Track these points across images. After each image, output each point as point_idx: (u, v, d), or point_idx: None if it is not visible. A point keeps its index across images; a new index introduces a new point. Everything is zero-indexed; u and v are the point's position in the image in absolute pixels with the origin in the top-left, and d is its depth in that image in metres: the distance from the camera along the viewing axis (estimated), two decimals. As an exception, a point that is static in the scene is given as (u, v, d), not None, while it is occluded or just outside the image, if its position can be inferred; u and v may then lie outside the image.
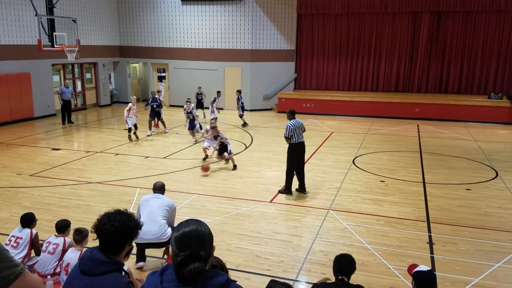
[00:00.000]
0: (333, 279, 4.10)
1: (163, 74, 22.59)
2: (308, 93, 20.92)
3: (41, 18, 15.00)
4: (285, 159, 9.04)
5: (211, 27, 20.89)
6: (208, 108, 17.27)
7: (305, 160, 11.47)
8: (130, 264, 5.49)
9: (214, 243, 2.08)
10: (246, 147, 13.32)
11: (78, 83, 20.59)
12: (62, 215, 7.26)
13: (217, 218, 7.57)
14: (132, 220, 2.50)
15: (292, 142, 8.72)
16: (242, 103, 16.90)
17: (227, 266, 3.73)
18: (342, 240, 6.80)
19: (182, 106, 18.81)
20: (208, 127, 11.49)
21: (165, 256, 6.13)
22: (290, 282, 5.32)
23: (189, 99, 14.83)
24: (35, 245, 5.58)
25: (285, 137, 8.73)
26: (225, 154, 10.96)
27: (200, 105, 17.65)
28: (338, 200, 8.64)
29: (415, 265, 3.87)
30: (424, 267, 3.79)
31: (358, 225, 7.37)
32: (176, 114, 18.71)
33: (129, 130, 13.93)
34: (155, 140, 14.38)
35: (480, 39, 19.58)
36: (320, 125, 17.34)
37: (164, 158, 11.90)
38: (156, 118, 15.28)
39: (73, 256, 4.89)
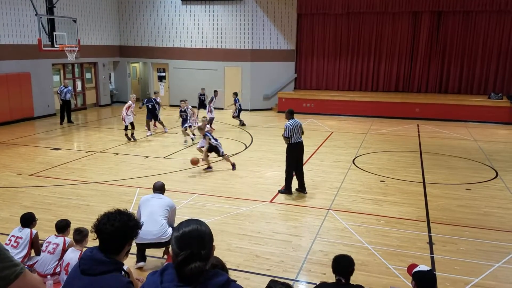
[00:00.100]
0: (333, 279, 4.10)
1: (163, 74, 22.59)
2: (308, 93, 20.92)
3: (41, 18, 15.01)
4: (285, 159, 9.04)
5: (211, 27, 20.89)
6: (219, 109, 17.26)
7: (305, 160, 11.50)
8: (130, 263, 5.48)
9: (214, 243, 2.08)
10: (246, 147, 13.32)
11: (78, 83, 20.59)
12: (62, 215, 7.26)
13: (217, 218, 7.57)
14: (132, 220, 2.50)
15: (291, 142, 8.72)
16: (239, 105, 16.90)
17: (227, 266, 3.73)
18: (342, 240, 6.80)
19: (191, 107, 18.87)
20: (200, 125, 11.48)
21: (165, 256, 6.13)
22: (290, 282, 5.32)
23: (186, 100, 14.83)
24: (35, 244, 5.58)
25: (285, 137, 8.72)
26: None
27: (202, 106, 17.60)
28: (338, 200, 8.64)
29: (415, 265, 3.87)
30: (424, 267, 3.79)
31: (358, 225, 7.37)
32: (176, 114, 18.63)
33: (126, 128, 13.88)
34: (155, 140, 14.38)
35: (480, 39, 19.58)
36: (320, 125, 17.34)
37: (164, 158, 11.90)
38: (152, 119, 15.16)
39: (73, 256, 4.89)
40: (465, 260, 6.18)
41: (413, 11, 19.99)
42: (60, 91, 16.70)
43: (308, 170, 10.72)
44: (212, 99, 16.24)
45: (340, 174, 10.43)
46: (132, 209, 7.62)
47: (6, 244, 5.35)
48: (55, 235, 5.43)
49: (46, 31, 15.38)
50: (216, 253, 2.18)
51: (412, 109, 18.78)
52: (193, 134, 14.07)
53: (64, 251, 5.23)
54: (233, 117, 17.02)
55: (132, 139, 13.80)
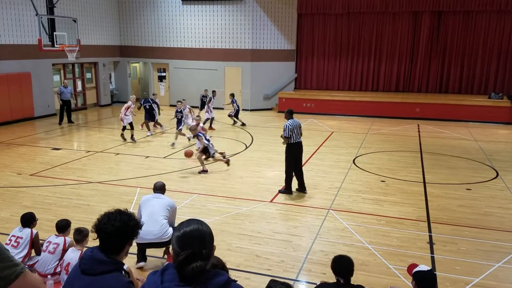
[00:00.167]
0: (333, 279, 4.10)
1: (163, 74, 22.59)
2: (308, 93, 20.92)
3: (41, 17, 15.00)
4: (284, 159, 9.03)
5: (211, 27, 20.89)
6: (219, 108, 17.21)
7: (306, 160, 11.52)
8: (130, 263, 5.48)
9: (215, 243, 2.08)
10: (247, 147, 13.32)
11: (79, 83, 20.59)
12: (62, 214, 7.26)
13: (217, 218, 7.57)
14: (133, 220, 2.51)
15: (290, 142, 8.71)
16: (237, 105, 16.91)
17: (227, 266, 3.73)
18: (342, 240, 6.80)
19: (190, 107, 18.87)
20: (201, 125, 11.44)
21: (165, 256, 6.13)
22: (290, 282, 5.32)
23: (184, 99, 14.80)
24: (35, 244, 5.58)
25: (284, 137, 8.71)
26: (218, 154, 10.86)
27: (204, 107, 17.52)
28: (338, 200, 8.64)
29: (415, 265, 3.87)
30: (424, 267, 3.79)
31: (358, 225, 7.37)
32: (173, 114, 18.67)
33: (123, 128, 13.77)
34: (155, 140, 14.38)
35: (481, 39, 19.57)
36: (321, 125, 17.34)
37: (164, 158, 11.90)
38: (150, 120, 15.00)
39: (73, 255, 4.89)
40: (465, 260, 6.18)
41: (413, 11, 19.99)
42: (59, 92, 16.69)
43: (308, 170, 10.72)
44: (210, 99, 16.20)
45: (340, 174, 10.43)
46: (132, 209, 7.62)
47: (6, 244, 5.35)
48: (55, 235, 5.43)
49: (47, 31, 15.38)
50: (216, 253, 2.18)
51: (413, 109, 18.78)
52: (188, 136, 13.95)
53: (64, 251, 5.23)
54: (229, 115, 16.99)
55: (132, 140, 13.63)
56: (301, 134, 8.93)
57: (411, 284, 3.81)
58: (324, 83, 21.81)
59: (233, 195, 8.81)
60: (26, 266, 3.92)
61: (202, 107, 17.33)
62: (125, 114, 13.60)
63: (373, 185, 9.64)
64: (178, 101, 14.39)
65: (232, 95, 17.23)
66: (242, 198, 8.68)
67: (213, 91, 16.89)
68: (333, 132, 15.88)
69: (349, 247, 6.52)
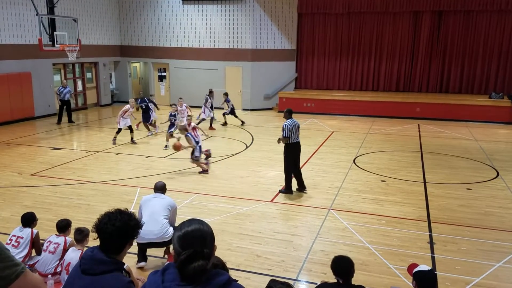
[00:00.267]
0: (334, 278, 4.10)
1: (163, 74, 22.59)
2: (308, 92, 20.91)
3: (42, 17, 15.00)
4: (283, 160, 9.03)
5: (211, 27, 20.89)
6: (220, 108, 17.14)
7: (306, 160, 11.52)
8: (131, 263, 5.49)
9: (215, 243, 2.09)
10: (247, 147, 13.33)
11: (79, 83, 20.60)
12: (62, 214, 7.26)
13: (217, 218, 7.57)
14: (133, 220, 2.51)
15: (289, 142, 8.70)
16: (232, 104, 16.86)
17: (228, 266, 3.73)
18: (343, 239, 6.80)
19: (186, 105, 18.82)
20: (193, 124, 11.37)
21: (166, 256, 6.14)
22: (291, 282, 5.32)
23: (179, 99, 14.69)
24: (35, 244, 5.58)
25: (284, 137, 8.69)
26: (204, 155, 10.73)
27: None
28: (338, 199, 8.64)
29: (415, 265, 3.87)
30: (424, 266, 3.79)
31: (359, 225, 7.36)
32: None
33: (118, 131, 13.35)
34: (156, 140, 14.37)
35: (481, 39, 19.56)
36: (321, 124, 17.34)
37: (164, 157, 11.90)
38: (145, 120, 14.78)
39: (74, 255, 4.90)
40: (465, 259, 6.18)
41: (413, 10, 19.97)
42: (59, 92, 16.65)
43: (308, 169, 10.72)
44: (206, 100, 16.11)
45: (340, 173, 10.43)
46: (132, 209, 7.62)
47: (7, 243, 5.36)
48: (56, 234, 5.43)
49: (47, 31, 15.38)
50: (216, 253, 2.18)
51: (413, 108, 18.77)
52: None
53: (65, 250, 5.23)
54: (223, 114, 16.94)
55: (132, 143, 13.47)
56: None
57: (411, 284, 3.81)
58: (325, 82, 21.80)
59: (234, 195, 8.81)
60: (27, 266, 3.93)
61: (229, 102, 17.27)
62: (122, 117, 13.25)
63: (374, 185, 9.64)
64: (172, 104, 14.14)
65: (226, 94, 17.16)
66: (242, 198, 8.68)
67: (210, 91, 16.70)
68: (333, 132, 15.88)
69: (349, 247, 6.52)
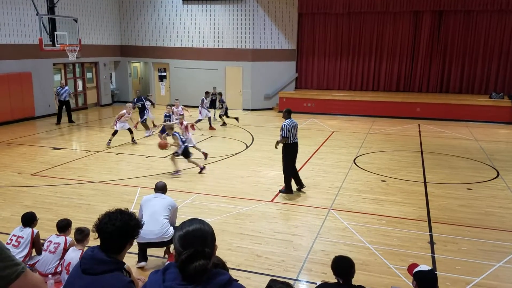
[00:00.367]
0: (333, 279, 4.10)
1: (164, 74, 22.60)
2: (309, 92, 20.91)
3: (42, 17, 15.01)
4: (282, 160, 9.02)
5: (212, 27, 20.89)
6: (221, 108, 17.10)
7: (306, 160, 11.53)
8: (131, 263, 5.49)
9: (216, 243, 2.09)
10: (247, 147, 13.33)
11: (79, 83, 20.60)
12: (63, 214, 7.27)
13: (218, 218, 7.57)
14: (133, 220, 2.51)
15: (288, 142, 8.69)
16: (226, 105, 16.81)
17: (228, 266, 3.73)
18: (343, 239, 6.80)
19: (183, 106, 18.79)
20: (185, 123, 11.37)
21: (166, 256, 6.14)
22: (291, 282, 5.32)
23: (175, 101, 14.62)
24: (36, 244, 5.58)
25: (283, 137, 8.68)
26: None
27: (213, 105, 17.53)
28: (339, 199, 8.64)
29: (415, 265, 3.87)
30: (425, 266, 3.79)
31: (359, 225, 7.36)
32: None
33: (114, 133, 13.14)
34: (156, 139, 14.35)
35: (481, 39, 19.56)
36: (321, 124, 17.34)
37: (165, 157, 11.90)
38: (140, 119, 14.68)
39: (74, 255, 4.90)
40: (466, 259, 6.18)
41: (414, 10, 19.98)
42: (57, 93, 16.60)
43: (309, 169, 10.73)
44: (202, 101, 16.07)
45: (341, 173, 10.43)
46: (133, 209, 7.62)
47: (7, 243, 5.36)
48: (56, 234, 5.43)
49: (47, 31, 15.39)
50: (217, 253, 2.18)
51: (413, 108, 18.77)
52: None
53: (65, 250, 5.23)
54: (220, 116, 16.90)
55: (133, 142, 13.45)
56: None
57: (411, 284, 3.81)
58: (325, 82, 21.80)
59: (234, 195, 8.81)
60: (27, 265, 3.93)
61: (212, 105, 17.26)
62: (118, 121, 13.07)
63: (374, 184, 9.63)
64: (167, 105, 13.99)
65: (220, 94, 17.11)
66: (242, 197, 8.68)
67: (206, 92, 16.71)
68: (333, 132, 15.87)
69: (349, 247, 6.52)
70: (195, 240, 1.97)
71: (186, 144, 10.36)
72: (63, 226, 5.47)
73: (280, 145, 8.88)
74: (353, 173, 10.48)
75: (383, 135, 15.34)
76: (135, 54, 22.51)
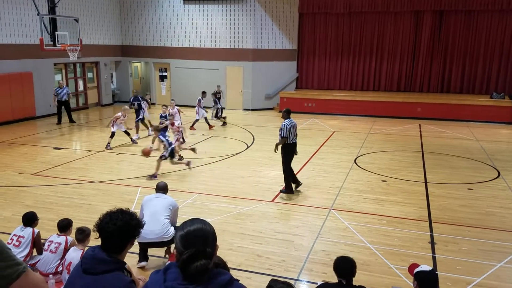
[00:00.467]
0: (335, 278, 4.10)
1: (164, 74, 22.60)
2: (309, 92, 20.91)
3: (43, 17, 15.02)
4: (281, 160, 9.02)
5: (212, 27, 20.89)
6: (223, 108, 17.06)
7: (307, 160, 11.53)
8: (132, 263, 5.49)
9: (217, 242, 2.09)
10: (248, 147, 13.33)
11: (80, 83, 20.62)
12: (64, 214, 7.28)
13: (218, 218, 7.57)
14: (134, 219, 2.51)
15: (287, 142, 8.69)
16: (219, 105, 16.76)
17: (229, 266, 3.73)
18: (343, 239, 6.80)
19: (184, 106, 18.81)
20: (168, 122, 11.29)
21: (167, 256, 6.14)
22: (292, 282, 5.32)
23: (170, 101, 14.59)
24: (37, 244, 5.58)
25: (282, 137, 8.68)
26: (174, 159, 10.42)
27: (218, 103, 17.51)
28: (339, 199, 8.63)
29: (416, 265, 3.87)
30: (425, 266, 3.79)
31: (359, 225, 7.36)
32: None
33: (112, 135, 12.97)
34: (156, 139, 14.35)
35: (482, 39, 19.54)
36: (322, 124, 17.34)
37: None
38: (136, 118, 14.55)
39: (75, 255, 4.90)
40: (467, 260, 6.17)
41: (415, 10, 19.96)
42: (56, 93, 16.57)
43: (309, 169, 10.73)
44: (199, 101, 16.03)
45: (341, 173, 10.42)
46: (134, 209, 7.63)
47: (8, 243, 5.36)
48: (57, 234, 5.43)
49: (48, 31, 15.40)
50: (217, 253, 2.18)
51: (414, 108, 18.76)
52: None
53: (66, 250, 5.23)
54: (218, 117, 16.86)
55: (133, 142, 13.44)
56: (296, 135, 8.89)
57: (412, 284, 3.81)
58: (326, 82, 21.80)
59: (234, 195, 8.82)
60: (28, 265, 3.93)
61: (215, 104, 17.22)
62: (115, 123, 12.94)
63: (375, 184, 9.63)
64: (163, 105, 13.84)
65: (214, 94, 16.95)
66: (243, 197, 8.68)
67: (203, 92, 16.61)
68: (334, 131, 15.87)
69: (350, 247, 6.51)
70: (197, 240, 1.98)
71: (172, 146, 10.23)
72: (64, 226, 5.47)
73: (279, 147, 8.87)
74: (354, 173, 10.48)
75: (384, 135, 15.33)
76: (136, 54, 22.53)
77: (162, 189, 6.15)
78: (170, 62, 21.94)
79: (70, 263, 4.84)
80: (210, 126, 16.12)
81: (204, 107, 16.19)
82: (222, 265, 3.14)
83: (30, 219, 5.60)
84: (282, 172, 9.02)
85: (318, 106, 19.87)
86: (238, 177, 10.08)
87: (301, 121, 17.37)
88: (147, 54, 22.29)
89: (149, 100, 15.54)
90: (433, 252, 6.41)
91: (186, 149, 11.51)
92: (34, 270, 5.04)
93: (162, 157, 10.00)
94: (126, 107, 13.63)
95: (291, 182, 8.94)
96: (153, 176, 9.84)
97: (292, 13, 20.90)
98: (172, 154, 10.12)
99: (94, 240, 2.60)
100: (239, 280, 2.10)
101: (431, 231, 7.17)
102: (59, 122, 16.72)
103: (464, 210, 8.14)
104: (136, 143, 13.51)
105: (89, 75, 21.13)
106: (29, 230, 5.53)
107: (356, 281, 4.02)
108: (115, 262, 2.41)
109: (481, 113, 18.05)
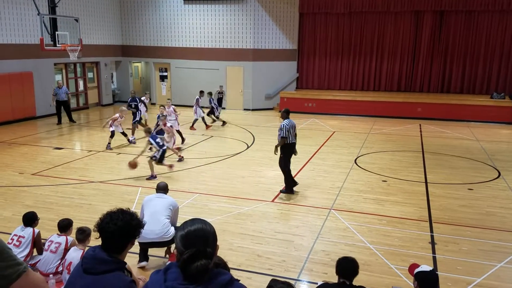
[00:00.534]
0: (335, 278, 4.10)
1: (165, 74, 22.60)
2: (310, 92, 20.90)
3: (43, 17, 15.02)
4: (281, 160, 9.01)
5: (213, 27, 20.89)
6: (224, 108, 17.01)
7: (307, 160, 11.53)
8: (132, 263, 5.49)
9: (217, 242, 2.09)
10: (248, 147, 13.33)
11: (80, 83, 20.62)
12: (64, 214, 7.28)
13: (219, 218, 7.57)
14: (135, 219, 2.51)
15: (287, 142, 8.69)
16: (215, 104, 16.70)
17: (229, 266, 3.73)
18: (344, 239, 6.80)
19: (184, 106, 18.84)
20: (169, 125, 11.23)
21: (167, 256, 6.14)
22: (292, 282, 5.32)
23: (167, 101, 14.53)
24: (37, 244, 5.58)
25: (282, 137, 8.67)
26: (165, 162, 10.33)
27: (220, 104, 17.40)
28: (340, 199, 8.63)
29: (416, 265, 3.87)
30: (426, 267, 3.79)
31: (360, 225, 7.36)
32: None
33: (112, 135, 12.90)
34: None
35: (483, 39, 19.53)
36: (322, 124, 17.33)
37: (165, 157, 11.88)
38: (133, 120, 14.41)
39: (75, 255, 4.90)
40: (467, 260, 6.17)
41: (415, 10, 19.96)
42: (54, 93, 16.54)
43: (310, 170, 10.73)
44: (197, 100, 16.00)
45: (342, 173, 10.42)
46: (134, 209, 7.63)
47: (8, 243, 5.36)
48: (57, 234, 5.43)
49: (48, 31, 15.40)
50: (218, 253, 2.18)
51: (414, 108, 18.76)
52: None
53: (66, 250, 5.23)
54: (217, 117, 16.82)
55: (131, 143, 13.42)
56: (295, 135, 8.88)
57: (412, 284, 3.81)
58: (326, 82, 21.80)
59: (235, 195, 8.82)
60: (28, 265, 3.93)
61: (219, 103, 17.13)
62: (112, 124, 12.87)
63: (375, 185, 9.63)
64: (160, 105, 13.73)
65: (210, 93, 16.82)
66: (243, 197, 8.68)
67: (201, 91, 16.60)
68: (334, 132, 15.87)
69: (350, 247, 6.51)
70: (197, 240, 1.98)
71: (164, 148, 10.14)
72: (64, 225, 5.47)
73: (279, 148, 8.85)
74: (354, 173, 10.47)
75: (384, 135, 15.33)
76: (136, 54, 22.53)
77: (162, 189, 6.16)
78: (171, 62, 21.94)
79: (71, 263, 4.84)
80: (207, 126, 16.11)
81: (201, 107, 16.19)
82: (222, 265, 3.14)
83: (30, 219, 5.61)
84: (282, 172, 9.01)
85: (318, 106, 19.87)
86: (239, 177, 10.08)
87: (301, 121, 17.38)
88: (147, 54, 22.29)
89: (148, 101, 15.49)
90: (434, 252, 6.41)
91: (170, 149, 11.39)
92: (35, 270, 5.04)
93: (153, 158, 9.95)
94: (123, 108, 13.58)
95: (291, 182, 8.93)
96: (153, 177, 9.86)
97: (293, 13, 20.89)
98: (162, 157, 9.98)
99: (95, 240, 2.60)
100: (239, 280, 2.10)
101: (431, 231, 7.17)
102: (59, 122, 16.72)
103: (464, 210, 8.14)
104: (134, 143, 13.52)
105: (90, 75, 21.13)
106: (29, 230, 5.53)
107: (356, 281, 4.02)
108: (116, 262, 2.41)
109: (481, 113, 18.05)
